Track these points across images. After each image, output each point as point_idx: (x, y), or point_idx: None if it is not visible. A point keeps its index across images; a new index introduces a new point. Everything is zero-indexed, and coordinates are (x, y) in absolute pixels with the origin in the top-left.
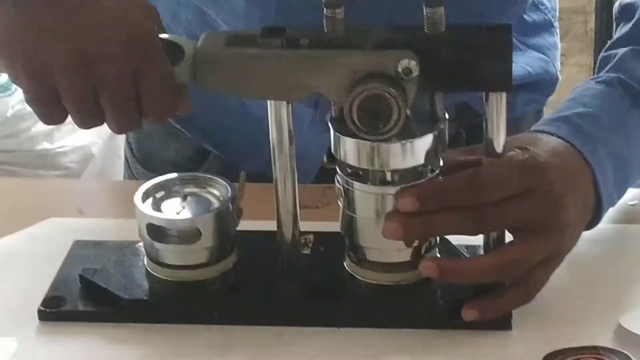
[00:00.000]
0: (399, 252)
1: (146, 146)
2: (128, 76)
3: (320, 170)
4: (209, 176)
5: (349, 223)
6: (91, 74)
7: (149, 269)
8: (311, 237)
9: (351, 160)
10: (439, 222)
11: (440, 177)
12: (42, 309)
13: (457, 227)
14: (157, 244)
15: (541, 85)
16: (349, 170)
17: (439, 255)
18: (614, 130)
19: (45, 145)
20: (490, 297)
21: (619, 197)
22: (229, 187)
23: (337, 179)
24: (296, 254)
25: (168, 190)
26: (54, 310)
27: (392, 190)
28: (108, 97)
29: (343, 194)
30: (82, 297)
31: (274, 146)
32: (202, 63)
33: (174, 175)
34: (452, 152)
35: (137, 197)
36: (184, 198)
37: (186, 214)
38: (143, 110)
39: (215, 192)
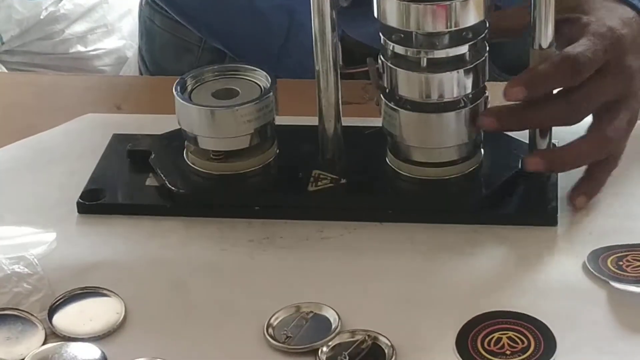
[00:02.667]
0: (441, 153)
1: (160, 60)
2: None
3: None
4: (250, 67)
5: (391, 119)
6: None
7: (189, 162)
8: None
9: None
10: (533, 114)
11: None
12: (81, 201)
13: (552, 117)
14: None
15: None
16: (394, 38)
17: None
18: None
19: (79, 48)
20: (587, 180)
21: None
22: (268, 77)
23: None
24: (339, 147)
25: (207, 81)
26: (93, 203)
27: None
28: None
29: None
30: (121, 189)
31: (316, 36)
32: None
33: (213, 66)
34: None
35: (176, 88)
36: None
37: (227, 104)
38: None
39: (256, 82)
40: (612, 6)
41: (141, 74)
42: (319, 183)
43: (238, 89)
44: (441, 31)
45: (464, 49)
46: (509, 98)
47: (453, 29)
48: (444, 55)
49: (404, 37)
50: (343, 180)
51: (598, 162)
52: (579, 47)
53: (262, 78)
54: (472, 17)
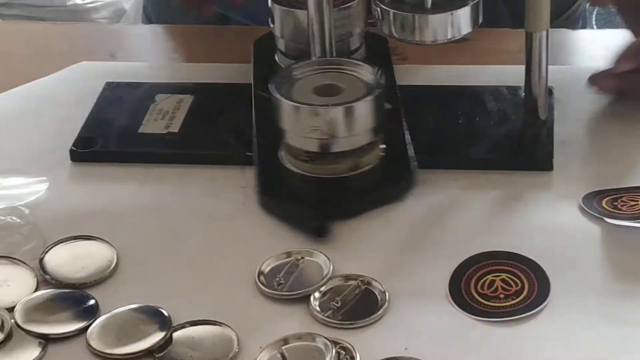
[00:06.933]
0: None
1: (166, 15)
2: None
3: None
4: (354, 61)
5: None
6: None
7: None
8: None
9: None
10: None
11: None
12: (74, 149)
13: None
14: None
15: None
16: None
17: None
18: None
19: (76, 0)
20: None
21: None
22: (374, 70)
23: None
24: None
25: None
26: (86, 151)
27: None
28: None
29: None
30: (114, 137)
31: None
32: None
33: (311, 60)
34: None
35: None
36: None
37: None
38: None
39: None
40: None
41: None
42: None
43: (342, 85)
44: None
45: None
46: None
47: None
48: None
49: None
50: None
51: None
52: None
53: (366, 73)
54: None
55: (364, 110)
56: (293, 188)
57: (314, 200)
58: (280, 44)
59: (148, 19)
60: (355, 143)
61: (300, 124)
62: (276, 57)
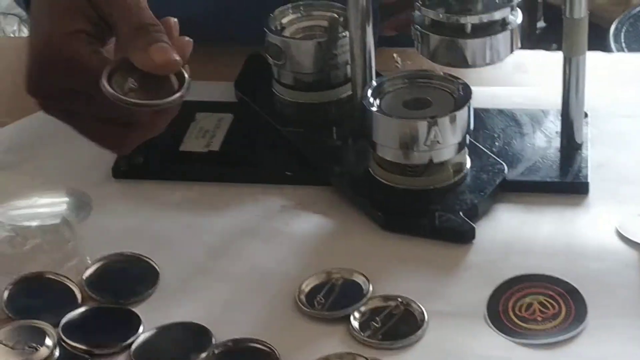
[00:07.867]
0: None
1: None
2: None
3: None
4: (443, 75)
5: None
6: None
7: None
8: None
9: None
10: None
11: None
12: (117, 166)
13: None
14: None
15: None
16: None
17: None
18: None
19: None
20: None
21: None
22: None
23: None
24: None
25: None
26: (128, 168)
27: None
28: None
29: None
30: (156, 154)
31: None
32: None
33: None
34: None
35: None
36: None
37: None
38: None
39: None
40: None
41: None
42: None
43: (430, 99)
44: None
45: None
46: None
47: None
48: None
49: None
50: None
51: None
52: None
53: (454, 87)
54: None
55: (464, 116)
56: (415, 202)
57: (450, 207)
58: (286, 77)
59: None
60: (457, 149)
61: (414, 139)
62: (274, 90)
